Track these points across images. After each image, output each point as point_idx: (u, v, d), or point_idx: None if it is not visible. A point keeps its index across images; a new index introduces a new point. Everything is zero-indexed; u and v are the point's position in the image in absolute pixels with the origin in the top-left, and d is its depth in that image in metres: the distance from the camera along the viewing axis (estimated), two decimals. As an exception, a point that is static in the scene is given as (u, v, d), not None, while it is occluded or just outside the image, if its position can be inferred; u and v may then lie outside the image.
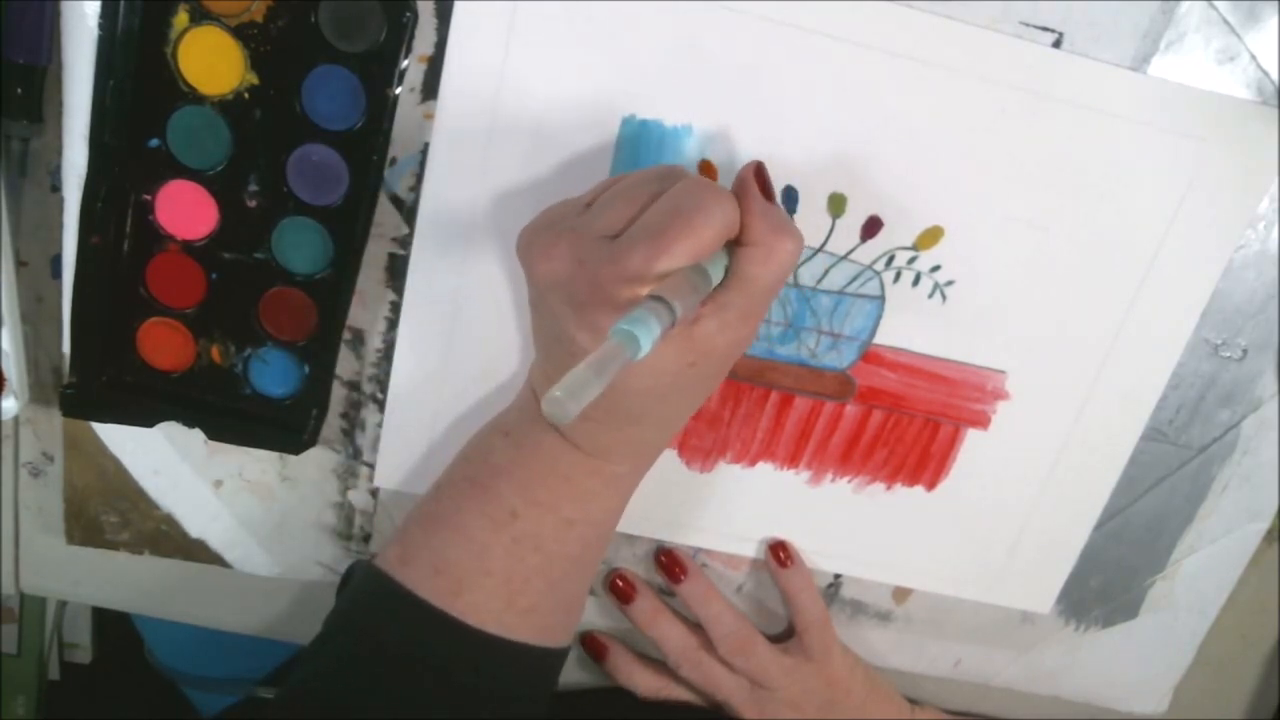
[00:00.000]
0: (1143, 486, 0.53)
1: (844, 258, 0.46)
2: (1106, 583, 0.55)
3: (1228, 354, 0.50)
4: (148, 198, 0.42)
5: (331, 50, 0.40)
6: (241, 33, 0.40)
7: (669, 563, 0.52)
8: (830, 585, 0.54)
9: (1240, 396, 0.51)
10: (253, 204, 0.43)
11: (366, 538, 0.51)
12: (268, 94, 0.41)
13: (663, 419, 0.41)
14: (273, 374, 0.46)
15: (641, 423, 0.40)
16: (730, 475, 0.51)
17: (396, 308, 0.46)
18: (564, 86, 0.42)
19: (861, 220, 0.45)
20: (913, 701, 0.57)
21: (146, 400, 0.45)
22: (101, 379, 0.45)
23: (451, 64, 0.41)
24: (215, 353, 0.45)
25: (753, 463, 0.50)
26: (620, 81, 0.42)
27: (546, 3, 0.40)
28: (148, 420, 0.46)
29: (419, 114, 0.42)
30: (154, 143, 0.42)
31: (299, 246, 0.43)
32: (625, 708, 0.53)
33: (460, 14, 0.40)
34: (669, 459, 0.50)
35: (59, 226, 0.44)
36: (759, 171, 0.38)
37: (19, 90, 0.41)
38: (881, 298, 0.47)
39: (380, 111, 0.41)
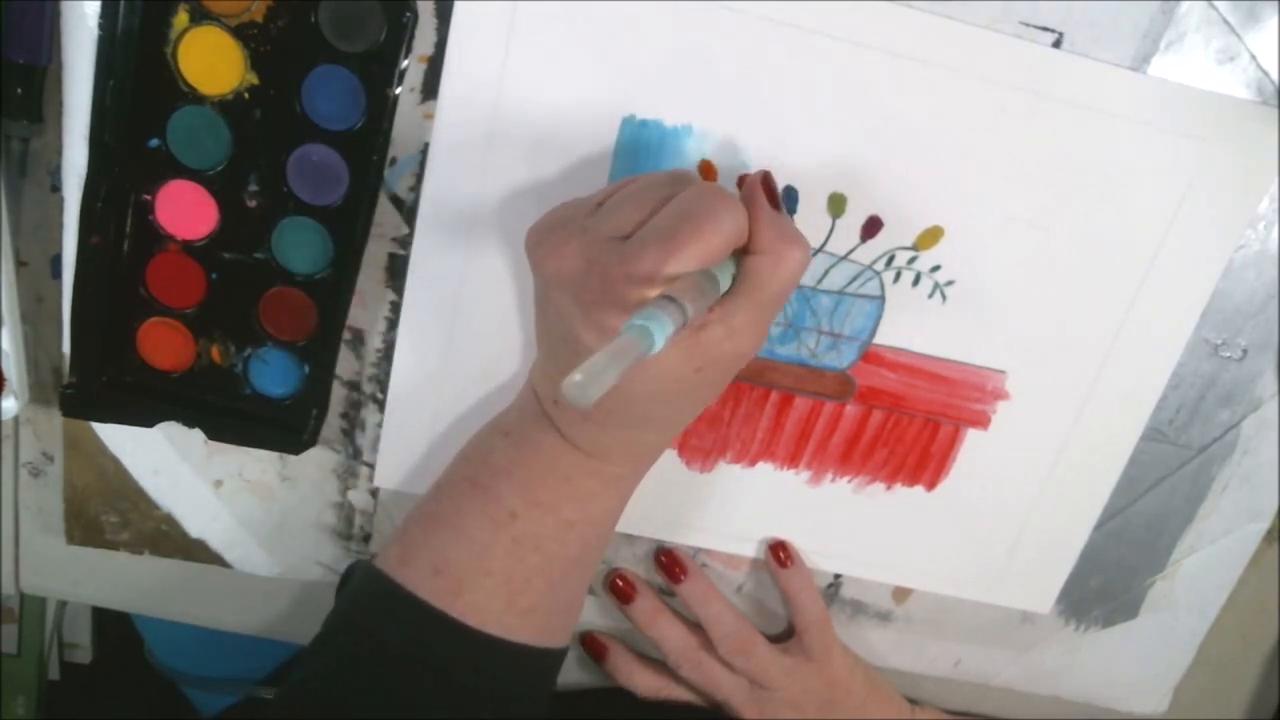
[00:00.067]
0: (1143, 486, 0.53)
1: (844, 258, 0.46)
2: (1106, 583, 0.55)
3: (1228, 354, 0.50)
4: (148, 198, 0.42)
5: (331, 50, 0.40)
6: (241, 33, 0.40)
7: (669, 563, 0.52)
8: (830, 585, 0.54)
9: (1240, 396, 0.51)
10: (253, 204, 0.43)
11: (366, 538, 0.51)
12: (268, 94, 0.41)
13: (665, 423, 0.41)
14: (273, 374, 0.46)
15: (644, 426, 0.40)
16: (730, 475, 0.51)
17: (396, 308, 0.46)
18: (564, 86, 0.42)
19: (861, 220, 0.45)
20: (913, 701, 0.57)
21: (146, 400, 0.45)
22: (101, 379, 0.45)
23: (451, 64, 0.41)
24: (215, 353, 0.45)
25: (753, 463, 0.50)
26: (620, 81, 0.42)
27: (546, 3, 0.40)
28: (148, 420, 0.46)
29: (419, 114, 0.42)
30: (154, 143, 0.42)
31: (299, 246, 0.43)
32: (625, 708, 0.53)
33: (460, 14, 0.40)
34: (669, 459, 0.50)
35: (59, 226, 0.44)
36: (766, 180, 0.38)
37: (19, 90, 0.41)
38: (881, 298, 0.47)
39: (380, 111, 0.41)
